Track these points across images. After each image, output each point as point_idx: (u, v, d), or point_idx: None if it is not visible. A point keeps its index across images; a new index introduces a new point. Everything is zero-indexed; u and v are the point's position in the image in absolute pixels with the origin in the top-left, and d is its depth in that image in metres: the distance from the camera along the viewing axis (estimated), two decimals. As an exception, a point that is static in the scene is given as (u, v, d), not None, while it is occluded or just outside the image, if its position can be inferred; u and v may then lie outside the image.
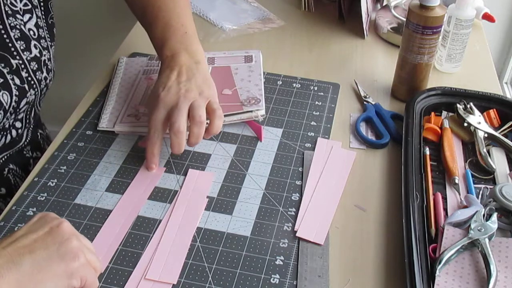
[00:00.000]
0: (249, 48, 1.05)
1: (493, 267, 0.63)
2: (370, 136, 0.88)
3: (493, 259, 0.64)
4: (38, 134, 0.96)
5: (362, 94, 0.96)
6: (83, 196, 0.76)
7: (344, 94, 0.97)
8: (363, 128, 0.89)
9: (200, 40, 1.11)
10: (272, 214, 0.74)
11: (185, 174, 0.80)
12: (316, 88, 0.97)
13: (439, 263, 0.64)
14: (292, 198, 0.77)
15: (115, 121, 0.87)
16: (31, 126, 0.91)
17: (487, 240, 0.66)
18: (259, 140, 0.86)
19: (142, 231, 0.72)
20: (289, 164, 0.82)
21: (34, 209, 0.74)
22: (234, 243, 0.71)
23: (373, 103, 0.93)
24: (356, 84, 0.98)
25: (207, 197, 0.77)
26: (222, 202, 0.76)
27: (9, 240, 0.58)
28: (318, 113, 0.92)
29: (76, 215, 0.74)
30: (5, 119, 0.78)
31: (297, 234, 0.71)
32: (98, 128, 0.87)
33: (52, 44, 0.86)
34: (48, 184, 0.78)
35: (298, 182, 0.79)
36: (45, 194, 0.76)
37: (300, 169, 0.81)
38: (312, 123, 0.90)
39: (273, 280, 0.66)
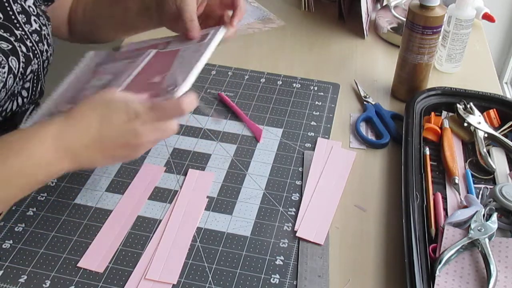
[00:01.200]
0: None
1: (493, 267, 0.63)
2: (370, 136, 0.88)
3: (493, 259, 0.64)
4: None
5: (362, 94, 0.96)
6: (83, 196, 0.76)
7: (344, 94, 0.97)
8: (363, 128, 0.89)
9: (200, 40, 1.11)
10: (272, 214, 0.74)
11: (185, 174, 0.80)
12: (316, 88, 0.98)
13: (439, 263, 0.64)
14: (292, 198, 0.77)
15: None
16: (34, 103, 0.92)
17: (487, 240, 0.66)
18: (257, 141, 0.86)
19: (142, 231, 0.72)
20: (289, 164, 0.82)
21: (34, 209, 0.74)
22: (234, 243, 0.71)
23: (373, 103, 0.93)
24: (356, 84, 0.98)
25: (207, 197, 0.77)
26: (222, 202, 0.76)
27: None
28: (318, 113, 0.92)
29: (76, 215, 0.74)
30: (15, 84, 0.80)
31: (297, 234, 0.71)
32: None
33: (49, 23, 0.88)
34: (48, 184, 0.78)
35: (298, 182, 0.79)
36: (45, 194, 0.76)
37: (300, 169, 0.81)
38: (312, 123, 0.90)
39: (273, 280, 0.66)
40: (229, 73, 1.00)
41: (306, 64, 1.05)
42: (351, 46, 1.11)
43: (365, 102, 0.94)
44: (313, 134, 0.87)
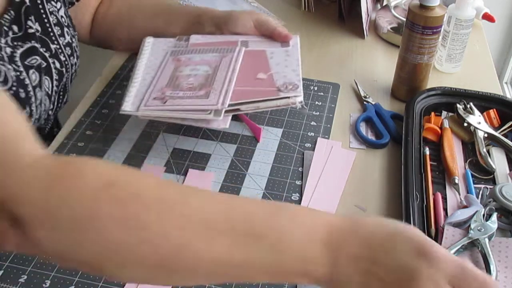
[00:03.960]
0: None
1: (493, 267, 0.63)
2: (370, 136, 0.88)
3: (493, 259, 0.64)
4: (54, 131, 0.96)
5: (362, 94, 0.96)
6: (83, 196, 0.76)
7: (344, 94, 0.97)
8: (363, 128, 0.89)
9: (200, 40, 1.11)
10: (272, 214, 0.74)
11: (185, 174, 0.80)
12: (316, 88, 0.98)
13: (439, 263, 0.64)
14: (292, 198, 0.77)
15: (139, 104, 0.78)
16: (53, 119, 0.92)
17: (487, 240, 0.66)
18: (257, 141, 0.86)
19: (142, 231, 0.72)
20: (289, 164, 0.82)
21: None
22: (234, 243, 0.70)
23: (373, 103, 0.93)
24: (356, 84, 0.98)
25: (207, 197, 0.77)
26: (222, 202, 0.76)
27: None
28: (318, 113, 0.92)
29: (76, 215, 0.74)
30: (50, 105, 0.78)
31: (297, 234, 0.71)
32: (120, 112, 0.78)
33: (75, 33, 0.88)
34: (48, 184, 0.78)
35: (298, 182, 0.79)
36: (45, 194, 0.76)
37: (300, 169, 0.81)
38: (312, 123, 0.90)
39: (273, 280, 0.66)
40: (229, 73, 1.00)
41: (306, 64, 1.05)
42: (351, 46, 1.11)
43: (365, 102, 0.94)
44: (313, 134, 0.87)
